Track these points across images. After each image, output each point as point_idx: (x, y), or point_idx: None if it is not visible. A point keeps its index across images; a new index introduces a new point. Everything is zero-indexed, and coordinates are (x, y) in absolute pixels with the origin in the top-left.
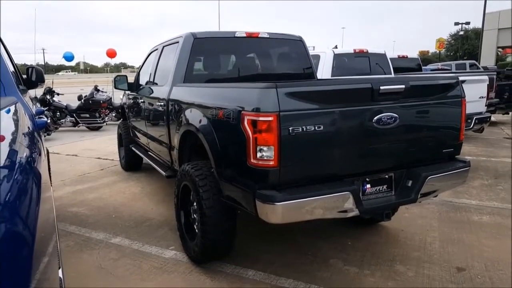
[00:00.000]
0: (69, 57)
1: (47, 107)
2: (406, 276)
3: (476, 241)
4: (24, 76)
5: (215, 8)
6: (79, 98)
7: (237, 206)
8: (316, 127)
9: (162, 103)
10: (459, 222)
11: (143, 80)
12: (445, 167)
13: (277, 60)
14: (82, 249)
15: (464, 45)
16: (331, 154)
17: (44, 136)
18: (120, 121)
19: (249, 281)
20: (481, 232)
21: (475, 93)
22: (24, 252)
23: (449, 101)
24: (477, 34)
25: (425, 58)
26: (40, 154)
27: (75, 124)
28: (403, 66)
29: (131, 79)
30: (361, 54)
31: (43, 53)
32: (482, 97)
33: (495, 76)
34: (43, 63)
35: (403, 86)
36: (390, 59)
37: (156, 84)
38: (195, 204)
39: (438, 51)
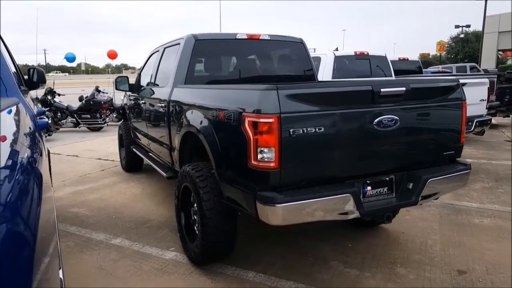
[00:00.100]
0: (70, 58)
1: (48, 108)
2: (407, 278)
3: (477, 244)
4: (26, 77)
5: (215, 8)
6: (80, 99)
7: (238, 207)
8: (317, 129)
9: (163, 104)
10: (460, 224)
11: (144, 81)
12: (446, 170)
13: (278, 62)
14: (82, 250)
15: (465, 48)
16: (332, 156)
17: (45, 137)
18: (121, 122)
19: (250, 282)
20: (482, 235)
21: (476, 95)
22: (25, 253)
23: (449, 103)
24: (478, 37)
25: (426, 61)
26: (41, 155)
27: (76, 124)
28: (403, 68)
29: (132, 80)
30: (361, 57)
31: (45, 53)
32: (483, 100)
33: (495, 79)
34: (44, 64)
35: (403, 89)
36: (391, 61)
37: (157, 85)
38: (195, 205)
39: (438, 54)
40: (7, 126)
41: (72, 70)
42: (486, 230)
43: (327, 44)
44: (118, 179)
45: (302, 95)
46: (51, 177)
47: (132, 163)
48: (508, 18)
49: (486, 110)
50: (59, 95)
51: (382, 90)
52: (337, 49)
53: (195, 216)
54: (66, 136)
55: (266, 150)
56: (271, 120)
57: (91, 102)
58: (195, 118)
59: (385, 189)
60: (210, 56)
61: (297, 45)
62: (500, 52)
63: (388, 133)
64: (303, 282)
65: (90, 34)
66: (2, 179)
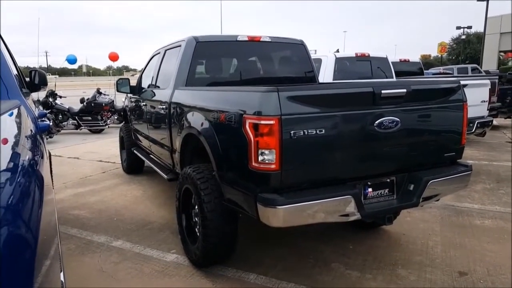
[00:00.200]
0: (72, 60)
1: (50, 110)
2: (408, 280)
3: (478, 246)
4: (27, 79)
5: (215, 8)
6: (82, 101)
7: (239, 209)
8: (318, 131)
9: (164, 106)
10: (461, 226)
11: (145, 83)
12: (447, 171)
13: (279, 63)
14: (83, 252)
15: (466, 49)
16: (333, 158)
17: (47, 139)
18: (122, 124)
19: (251, 284)
20: (483, 237)
21: (477, 97)
22: (26, 255)
23: (450, 105)
24: (479, 38)
25: (427, 62)
26: (42, 157)
27: (77, 126)
28: (405, 70)
29: (133, 82)
30: (362, 58)
31: (46, 55)
32: (484, 101)
33: (497, 80)
34: (46, 66)
35: (404, 90)
36: (392, 63)
37: (158, 87)
38: (196, 207)
39: (440, 55)
40: (9, 129)
41: (73, 72)
42: (488, 232)
43: (328, 45)
44: (119, 181)
45: (303, 97)
46: (52, 179)
47: (133, 165)
48: (509, 19)
49: (488, 111)
50: (60, 97)
51: (383, 91)
52: (338, 51)
53: (196, 218)
54: (67, 138)
55: (267, 152)
56: (272, 122)
57: (92, 104)
58: (196, 120)
59: (386, 190)
60: (211, 58)
61: (298, 47)
62: (502, 53)
63: (389, 134)
64: (304, 284)
65: (91, 35)
66: (3, 182)
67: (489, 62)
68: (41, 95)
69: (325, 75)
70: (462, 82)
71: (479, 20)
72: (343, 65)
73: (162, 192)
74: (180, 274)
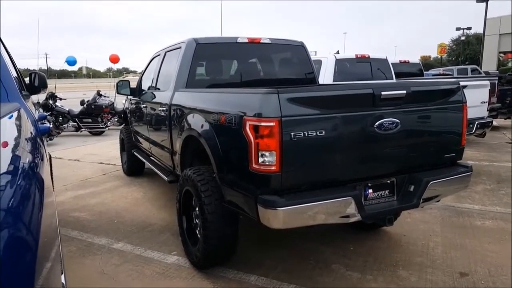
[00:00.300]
0: (71, 62)
1: (50, 112)
2: (409, 281)
3: (479, 246)
4: (27, 81)
5: (215, 8)
6: (82, 103)
7: (239, 211)
8: (318, 132)
9: (164, 108)
10: (461, 227)
11: (145, 85)
12: (447, 172)
13: (279, 65)
14: (84, 255)
15: (466, 50)
16: (333, 159)
17: (47, 141)
18: (122, 126)
19: (251, 286)
20: (484, 237)
21: (477, 98)
22: (27, 258)
23: (450, 106)
24: (479, 39)
25: (427, 63)
26: (42, 159)
27: (78, 129)
28: (404, 71)
29: (133, 84)
30: (362, 59)
31: (46, 58)
32: (484, 102)
33: (496, 81)
34: (45, 68)
35: (404, 92)
36: (392, 64)
37: (159, 89)
38: (197, 209)
39: (439, 56)
40: (9, 132)
41: (73, 74)
42: (488, 232)
43: (328, 46)
44: (119, 183)
45: (303, 98)
46: (52, 181)
47: (133, 167)
48: (509, 20)
49: (487, 112)
50: (60, 99)
51: (383, 93)
52: (338, 52)
53: (196, 220)
54: (67, 141)
55: (267, 153)
56: (272, 123)
57: (93, 106)
58: (196, 122)
59: (387, 192)
60: (211, 60)
61: (298, 49)
62: (501, 54)
63: (389, 136)
64: (304, 285)
65: (90, 35)
66: (4, 185)
67: (489, 63)
68: (41, 97)
69: (325, 76)
70: (462, 83)
71: (479, 21)
72: (343, 67)
73: (163, 194)
74: (181, 276)
